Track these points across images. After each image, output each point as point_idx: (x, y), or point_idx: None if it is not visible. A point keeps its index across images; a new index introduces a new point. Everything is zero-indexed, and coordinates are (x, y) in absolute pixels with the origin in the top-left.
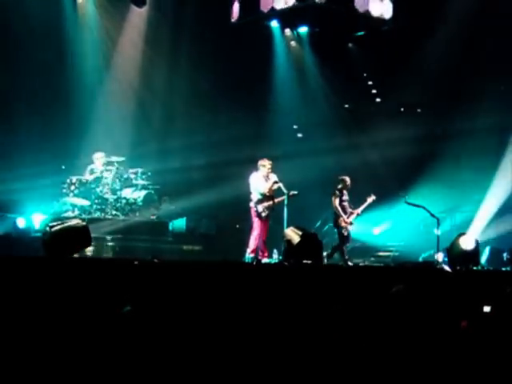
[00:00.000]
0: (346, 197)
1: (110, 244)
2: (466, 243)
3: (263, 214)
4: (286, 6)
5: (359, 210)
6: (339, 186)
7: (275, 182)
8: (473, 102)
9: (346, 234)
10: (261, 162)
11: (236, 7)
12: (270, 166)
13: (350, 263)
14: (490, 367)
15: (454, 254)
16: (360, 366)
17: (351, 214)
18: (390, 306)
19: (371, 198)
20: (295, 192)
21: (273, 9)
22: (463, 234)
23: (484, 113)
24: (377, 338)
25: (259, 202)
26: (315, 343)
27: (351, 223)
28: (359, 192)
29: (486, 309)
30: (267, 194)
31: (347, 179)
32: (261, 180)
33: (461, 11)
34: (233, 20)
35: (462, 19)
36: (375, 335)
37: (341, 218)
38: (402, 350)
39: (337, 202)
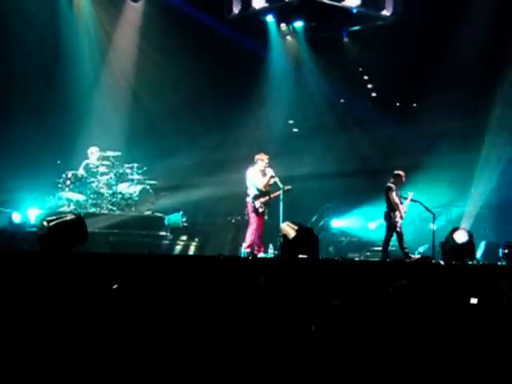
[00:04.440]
0: (398, 192)
1: (105, 239)
2: (460, 237)
3: (260, 210)
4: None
5: (404, 208)
6: (392, 180)
7: (272, 177)
8: (470, 98)
9: (398, 228)
10: (258, 156)
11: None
12: (266, 161)
13: (411, 255)
14: (489, 361)
15: (449, 248)
16: (357, 360)
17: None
18: (390, 301)
19: (411, 194)
20: (289, 187)
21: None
22: (457, 228)
23: (481, 108)
24: (375, 333)
25: (256, 197)
26: (312, 338)
27: (402, 218)
28: (356, 186)
29: (473, 300)
30: (264, 190)
31: (402, 174)
32: (258, 175)
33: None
34: (228, 14)
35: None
36: (374, 330)
37: (396, 212)
38: (400, 345)
39: (394, 195)
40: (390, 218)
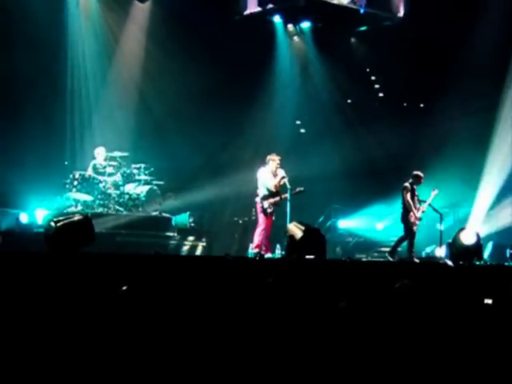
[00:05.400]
0: (416, 192)
1: (112, 239)
2: (467, 238)
3: (268, 210)
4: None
5: (424, 207)
6: (411, 181)
7: (283, 177)
8: (478, 97)
9: (414, 229)
10: (270, 157)
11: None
12: (278, 161)
13: (416, 260)
14: (495, 361)
15: (456, 248)
16: (363, 360)
17: (418, 209)
18: (394, 300)
19: (434, 192)
20: (301, 188)
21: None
22: (464, 228)
23: (489, 108)
24: (381, 333)
25: (265, 198)
26: (318, 339)
27: (420, 219)
28: (363, 187)
29: (488, 301)
30: (274, 191)
31: (421, 175)
32: (269, 176)
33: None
34: (235, 15)
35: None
36: (379, 330)
37: (411, 213)
38: (406, 345)
39: (408, 196)
40: (405, 219)
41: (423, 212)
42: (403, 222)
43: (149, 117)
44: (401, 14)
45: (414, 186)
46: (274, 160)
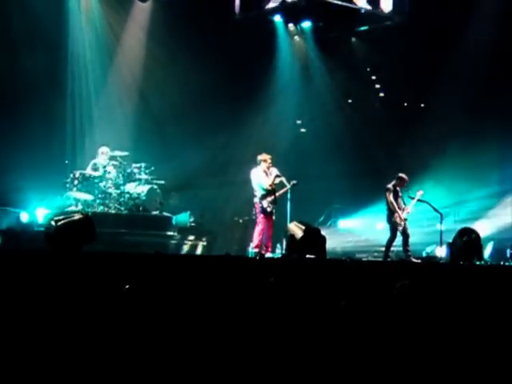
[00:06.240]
0: (399, 194)
1: (112, 238)
2: (467, 238)
3: (268, 210)
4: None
5: (409, 208)
6: (394, 182)
7: (277, 176)
8: (478, 98)
9: (400, 230)
10: (260, 157)
11: (237, 1)
12: (270, 161)
13: (413, 259)
14: (495, 362)
15: (456, 248)
16: (363, 361)
17: (403, 210)
18: (394, 301)
19: (420, 193)
20: (295, 181)
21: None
22: (465, 228)
23: (487, 110)
24: (381, 333)
25: (263, 197)
26: (319, 338)
27: (405, 219)
28: (364, 187)
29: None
30: (270, 189)
31: (406, 178)
32: (262, 175)
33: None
34: (236, 14)
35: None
36: (379, 330)
37: (396, 214)
38: (406, 345)
39: (391, 197)
40: (390, 220)
41: (408, 213)
42: (389, 222)
43: (150, 116)
44: (396, 13)
45: (398, 188)
46: (265, 160)
